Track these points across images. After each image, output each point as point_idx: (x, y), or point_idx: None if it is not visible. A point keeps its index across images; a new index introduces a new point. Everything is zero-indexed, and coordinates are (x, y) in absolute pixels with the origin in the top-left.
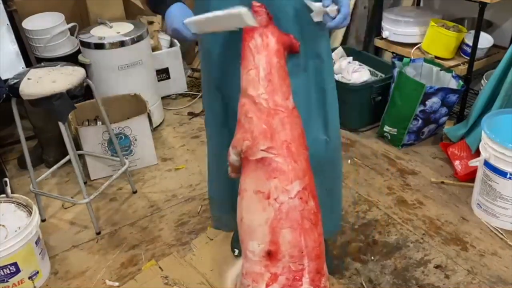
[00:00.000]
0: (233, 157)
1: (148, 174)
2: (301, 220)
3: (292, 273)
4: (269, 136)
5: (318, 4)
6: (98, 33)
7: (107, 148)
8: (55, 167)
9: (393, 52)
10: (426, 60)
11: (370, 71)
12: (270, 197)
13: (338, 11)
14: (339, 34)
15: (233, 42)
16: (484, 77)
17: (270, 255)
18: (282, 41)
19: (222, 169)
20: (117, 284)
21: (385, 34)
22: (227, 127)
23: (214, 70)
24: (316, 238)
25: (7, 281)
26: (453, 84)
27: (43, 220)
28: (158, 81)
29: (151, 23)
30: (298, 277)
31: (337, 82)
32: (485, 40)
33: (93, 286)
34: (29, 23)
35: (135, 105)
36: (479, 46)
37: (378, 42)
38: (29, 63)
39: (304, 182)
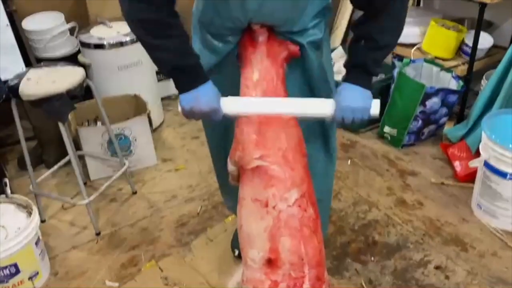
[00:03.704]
0: (230, 167)
1: (148, 175)
2: (301, 227)
3: (293, 280)
4: (261, 144)
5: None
6: (98, 33)
7: (107, 149)
8: (55, 167)
9: (393, 52)
10: (426, 61)
11: None
12: (268, 205)
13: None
14: (339, 33)
15: (231, 66)
16: (484, 77)
17: (270, 263)
18: (282, 56)
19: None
20: (117, 284)
21: None
22: (227, 140)
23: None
24: (316, 245)
25: (7, 282)
26: (453, 84)
27: (42, 221)
28: (158, 81)
29: None
30: (298, 284)
31: (337, 82)
32: (485, 40)
33: (93, 286)
34: (28, 23)
35: (135, 106)
36: (479, 46)
37: None
38: (28, 64)
39: (302, 190)
